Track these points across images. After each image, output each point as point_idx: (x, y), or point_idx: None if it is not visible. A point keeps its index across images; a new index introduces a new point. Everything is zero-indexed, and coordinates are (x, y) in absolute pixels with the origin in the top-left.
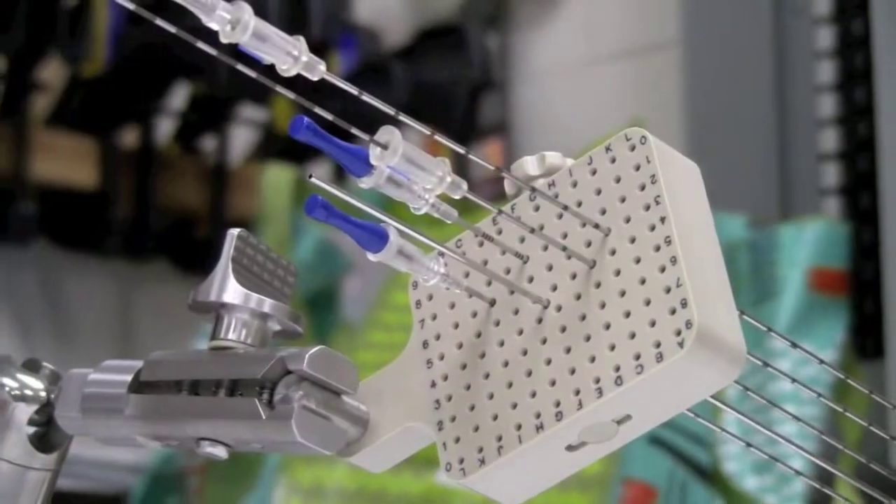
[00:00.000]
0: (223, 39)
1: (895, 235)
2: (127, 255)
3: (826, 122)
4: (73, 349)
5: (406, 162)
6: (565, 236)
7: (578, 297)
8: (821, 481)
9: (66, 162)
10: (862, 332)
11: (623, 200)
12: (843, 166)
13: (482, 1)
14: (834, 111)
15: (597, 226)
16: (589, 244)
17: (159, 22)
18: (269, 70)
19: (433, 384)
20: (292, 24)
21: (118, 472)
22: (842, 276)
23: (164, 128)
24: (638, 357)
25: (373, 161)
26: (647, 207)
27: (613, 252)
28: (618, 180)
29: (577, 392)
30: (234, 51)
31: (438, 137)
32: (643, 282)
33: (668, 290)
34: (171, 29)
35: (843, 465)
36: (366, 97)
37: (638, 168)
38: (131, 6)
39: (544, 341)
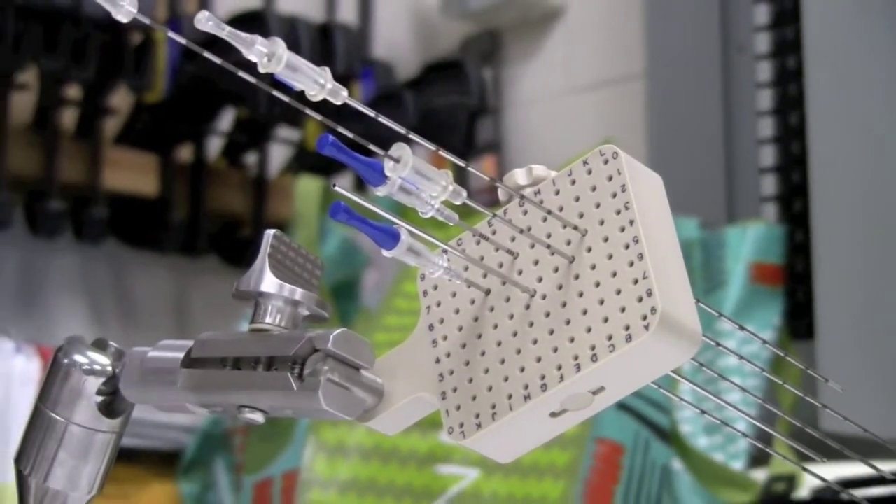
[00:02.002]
0: (261, 70)
1: (822, 236)
2: (182, 252)
3: (765, 141)
4: (137, 331)
5: (415, 173)
6: (549, 236)
7: (560, 287)
8: (761, 441)
9: (131, 174)
10: (795, 317)
11: (598, 206)
12: (779, 178)
13: (479, 40)
14: (772, 132)
15: (576, 227)
16: (569, 243)
17: (208, 55)
18: (301, 96)
19: (438, 360)
20: (320, 59)
21: (174, 432)
22: (778, 269)
23: (214, 145)
24: (610, 338)
25: (387, 172)
26: (618, 212)
27: (590, 249)
28: (593, 189)
29: (559, 367)
30: (272, 80)
31: (442, 153)
32: (614, 274)
33: (635, 282)
34: (218, 62)
35: (779, 427)
36: (381, 119)
37: (610, 179)
38: (185, 42)
39: (531, 324)
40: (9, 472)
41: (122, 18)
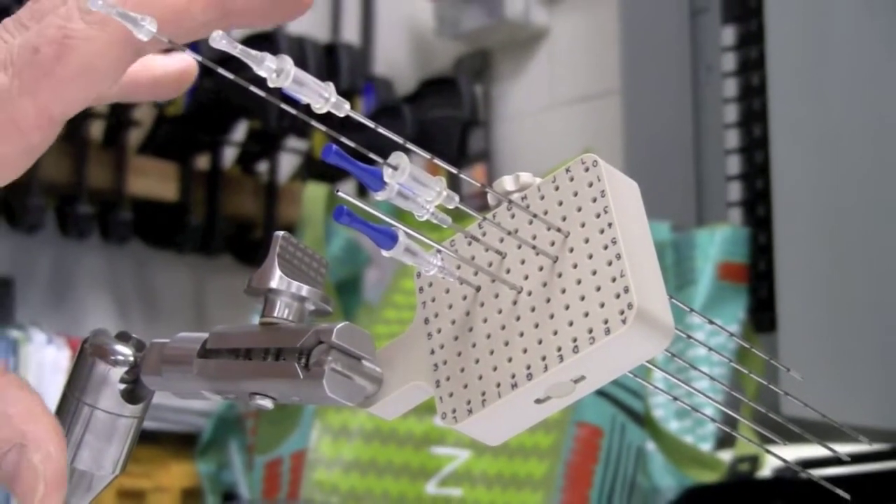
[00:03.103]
0: (270, 84)
1: (783, 237)
2: (200, 252)
3: (731, 152)
4: (158, 324)
5: (412, 180)
6: (535, 237)
7: (545, 284)
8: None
9: (153, 181)
10: (759, 311)
11: (579, 210)
12: (744, 185)
13: (471, 59)
14: (737, 143)
15: (559, 230)
16: (553, 244)
17: (223, 72)
18: (308, 109)
19: (432, 352)
20: (326, 75)
21: (192, 416)
22: (743, 268)
23: (229, 155)
24: (591, 331)
25: (386, 179)
26: (598, 215)
27: (572, 250)
28: (575, 194)
29: (544, 358)
30: (281, 95)
31: (437, 161)
32: (594, 273)
33: (613, 280)
34: (232, 77)
35: (744, 412)
36: (381, 130)
37: (591, 185)
38: (202, 59)
39: (518, 319)
40: None
41: (143, 37)
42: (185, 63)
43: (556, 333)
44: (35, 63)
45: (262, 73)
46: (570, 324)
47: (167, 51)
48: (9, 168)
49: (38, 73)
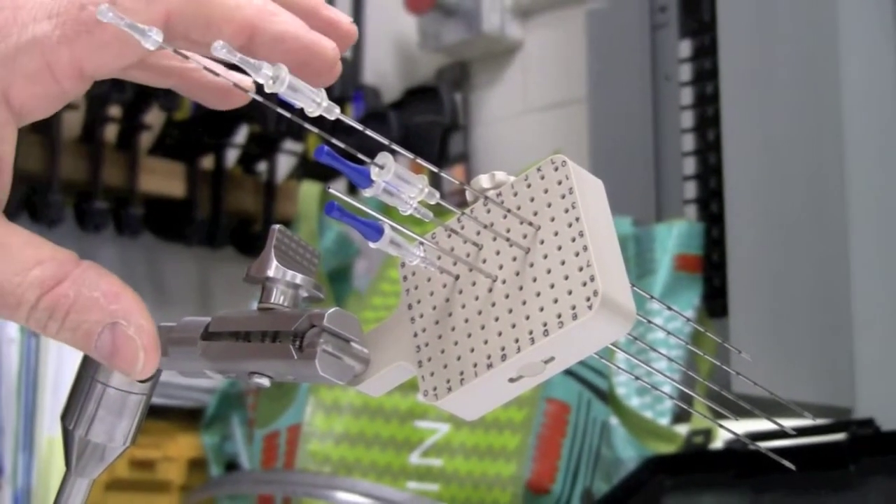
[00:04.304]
0: (267, 90)
1: (734, 232)
2: (205, 245)
3: (687, 154)
4: (168, 310)
5: (397, 178)
6: (508, 231)
7: (517, 273)
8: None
9: (163, 179)
10: (712, 298)
11: (549, 206)
12: (699, 184)
13: (450, 70)
14: (693, 146)
15: (530, 223)
16: (525, 236)
17: (225, 77)
18: (302, 114)
19: (415, 335)
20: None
21: (197, 393)
22: (698, 259)
23: (231, 156)
24: (559, 316)
25: (373, 177)
26: (566, 210)
27: (542, 242)
28: (545, 191)
29: (517, 340)
30: (278, 101)
31: (420, 162)
32: (563, 263)
33: (580, 269)
34: (231, 82)
35: (698, 390)
36: (369, 133)
37: (560, 183)
38: (205, 67)
39: (493, 305)
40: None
41: (150, 47)
42: (236, 85)
43: (528, 318)
44: (79, 19)
45: (260, 80)
46: (541, 309)
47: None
48: (38, 109)
49: (80, 28)
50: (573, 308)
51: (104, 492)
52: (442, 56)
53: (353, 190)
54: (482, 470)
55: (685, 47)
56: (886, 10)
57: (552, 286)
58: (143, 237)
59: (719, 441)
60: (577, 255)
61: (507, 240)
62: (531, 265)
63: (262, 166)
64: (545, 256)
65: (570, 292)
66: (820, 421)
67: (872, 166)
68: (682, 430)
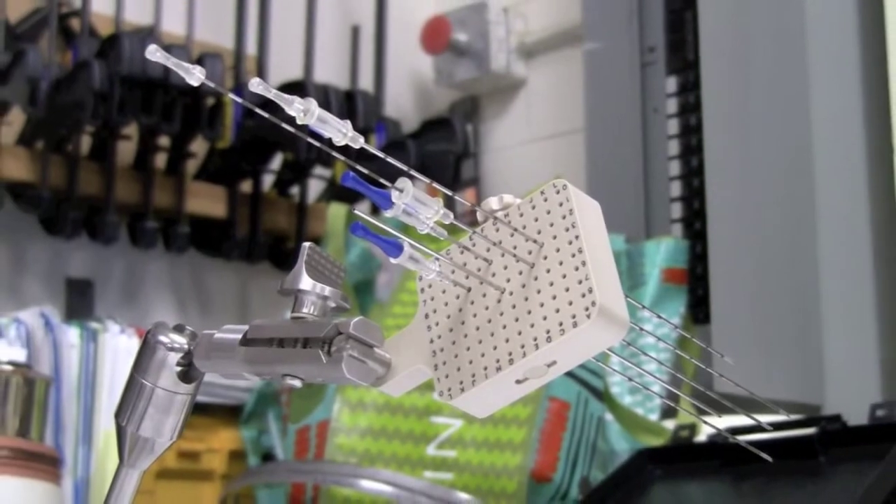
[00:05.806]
0: (299, 122)
1: (716, 248)
2: (244, 260)
3: (674, 178)
4: (210, 319)
5: (415, 200)
6: (515, 248)
7: (523, 286)
8: (671, 399)
9: (206, 201)
10: (696, 307)
11: (552, 225)
12: (684, 205)
13: (463, 103)
14: (678, 171)
15: (535, 241)
16: (530, 252)
17: (262, 113)
18: (331, 143)
19: (431, 341)
20: (345, 116)
21: (237, 392)
22: (683, 272)
23: (267, 180)
24: (561, 324)
25: (394, 200)
26: (567, 229)
27: (546, 258)
28: (548, 212)
29: (523, 346)
30: (309, 132)
31: (435, 186)
32: (564, 276)
33: (580, 282)
34: (267, 116)
35: (684, 389)
36: (390, 160)
37: (561, 205)
38: (244, 103)
39: (502, 314)
40: (113, 422)
41: (194, 82)
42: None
43: (532, 326)
44: None
45: (293, 113)
46: (544, 318)
47: (218, 94)
48: None
49: None
50: (573, 317)
51: (155, 480)
52: (455, 91)
53: (375, 211)
54: (491, 460)
55: (671, 83)
56: (852, 48)
57: (554, 297)
58: (188, 253)
59: (703, 435)
60: (576, 269)
61: (514, 256)
62: (536, 278)
63: (294, 190)
64: (548, 270)
65: (570, 303)
66: (793, 417)
67: (838, 188)
68: (670, 425)
